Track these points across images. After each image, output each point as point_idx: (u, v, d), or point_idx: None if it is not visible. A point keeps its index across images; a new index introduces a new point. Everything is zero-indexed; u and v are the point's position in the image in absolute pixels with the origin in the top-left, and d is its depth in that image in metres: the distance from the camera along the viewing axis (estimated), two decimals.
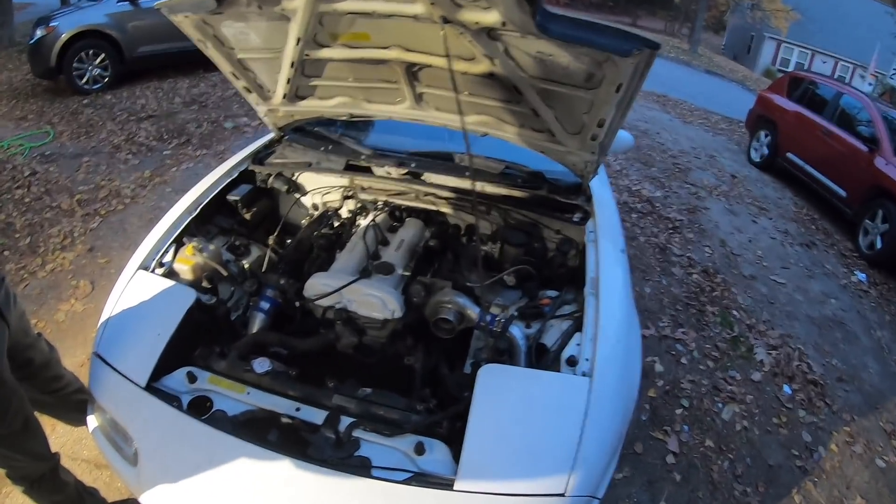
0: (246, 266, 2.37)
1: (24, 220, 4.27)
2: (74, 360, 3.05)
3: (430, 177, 2.50)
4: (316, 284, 2.14)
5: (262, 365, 1.83)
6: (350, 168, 2.56)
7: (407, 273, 2.27)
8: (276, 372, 1.85)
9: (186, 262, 2.15)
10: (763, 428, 3.29)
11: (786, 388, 3.70)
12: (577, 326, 1.88)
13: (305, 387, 1.80)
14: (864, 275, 5.67)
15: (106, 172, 5.11)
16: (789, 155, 7.24)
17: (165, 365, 1.80)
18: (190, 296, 1.94)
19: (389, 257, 2.30)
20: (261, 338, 2.04)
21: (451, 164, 2.56)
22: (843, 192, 6.34)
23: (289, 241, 2.57)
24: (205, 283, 2.14)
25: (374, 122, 2.91)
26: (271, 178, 2.65)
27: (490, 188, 2.43)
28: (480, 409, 1.60)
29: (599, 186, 2.59)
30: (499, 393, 1.63)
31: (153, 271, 2.08)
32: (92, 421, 1.82)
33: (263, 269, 2.37)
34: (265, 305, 2.15)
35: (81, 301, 3.54)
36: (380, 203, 2.68)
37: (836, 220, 6.55)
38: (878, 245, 5.75)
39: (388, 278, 2.18)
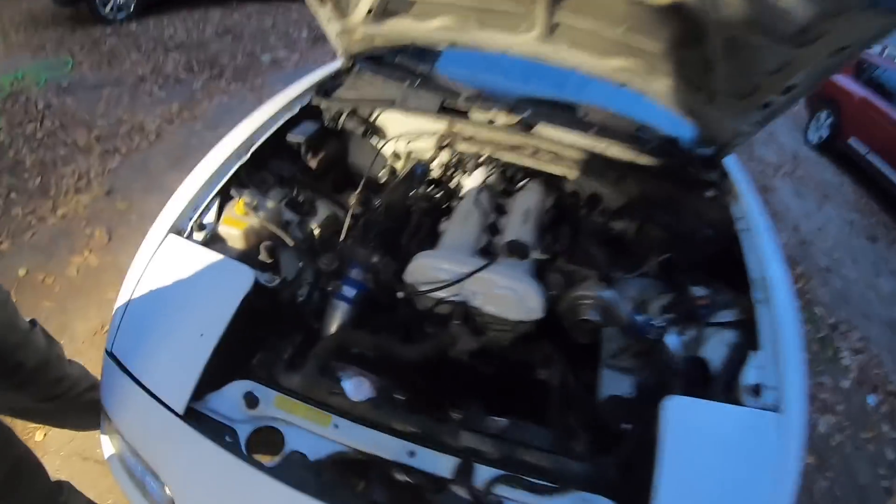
0: (314, 230, 1.79)
1: (35, 158, 3.65)
2: (88, 326, 2.51)
3: (544, 130, 1.91)
4: (426, 268, 1.56)
5: (358, 388, 1.27)
6: (445, 110, 1.96)
7: (543, 256, 1.68)
8: (378, 396, 1.30)
9: (237, 224, 1.58)
10: (854, 442, 2.90)
11: (870, 399, 3.27)
12: (745, 339, 1.42)
13: (420, 418, 1.26)
14: None
15: (128, 106, 4.47)
16: (852, 140, 6.54)
17: (212, 376, 1.25)
18: (246, 277, 1.39)
19: (515, 233, 1.73)
20: (347, 338, 1.48)
21: (572, 116, 1.98)
22: None
23: (368, 199, 1.96)
24: (263, 256, 1.57)
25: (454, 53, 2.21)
26: (343, 117, 2.04)
27: (617, 151, 1.87)
28: (673, 459, 1.15)
29: (732, 162, 2.05)
30: (690, 437, 1.20)
31: (190, 236, 1.52)
32: (107, 443, 1.27)
33: (342, 237, 1.77)
34: (350, 292, 1.57)
35: (97, 253, 2.98)
36: (485, 158, 2.06)
37: None
38: None
39: (521, 263, 1.60)
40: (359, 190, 1.85)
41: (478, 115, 1.93)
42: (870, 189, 6.36)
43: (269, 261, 1.56)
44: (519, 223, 1.77)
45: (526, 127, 1.90)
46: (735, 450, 1.20)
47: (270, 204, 1.68)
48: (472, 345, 1.52)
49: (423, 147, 2.15)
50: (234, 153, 1.73)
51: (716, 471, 1.16)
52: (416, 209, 1.89)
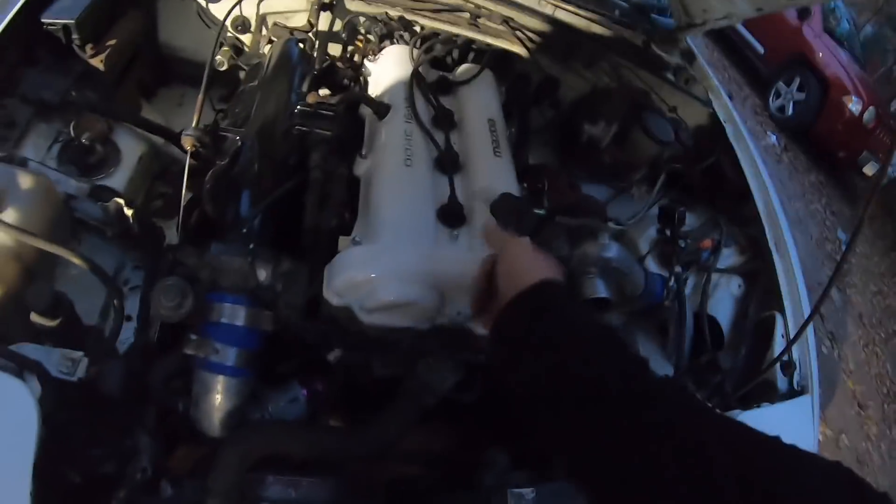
0: (123, 204, 0.87)
1: None
2: None
3: None
4: (362, 281, 0.78)
5: None
6: None
7: (540, 212, 1.04)
8: None
9: None
10: None
11: None
12: (755, 292, 1.23)
13: None
14: (775, 136, 5.31)
15: None
16: None
17: None
18: (25, 403, 0.58)
19: (490, 170, 1.00)
20: (254, 450, 0.72)
21: None
22: (761, 49, 5.76)
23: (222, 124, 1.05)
24: (39, 317, 0.68)
25: None
26: None
27: (574, 18, 1.39)
28: None
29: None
30: None
31: None
32: None
33: (189, 216, 0.93)
34: (230, 356, 0.75)
35: None
36: (395, 24, 1.28)
37: (748, 74, 5.93)
38: (790, 111, 5.43)
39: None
40: (201, 97, 0.97)
41: None
42: (718, 44, 6.21)
43: (52, 323, 0.68)
44: (488, 152, 1.03)
45: None
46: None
47: (27, 181, 0.75)
48: (453, 380, 0.86)
49: (290, 6, 1.29)
50: None
51: None
52: (312, 139, 0.96)
